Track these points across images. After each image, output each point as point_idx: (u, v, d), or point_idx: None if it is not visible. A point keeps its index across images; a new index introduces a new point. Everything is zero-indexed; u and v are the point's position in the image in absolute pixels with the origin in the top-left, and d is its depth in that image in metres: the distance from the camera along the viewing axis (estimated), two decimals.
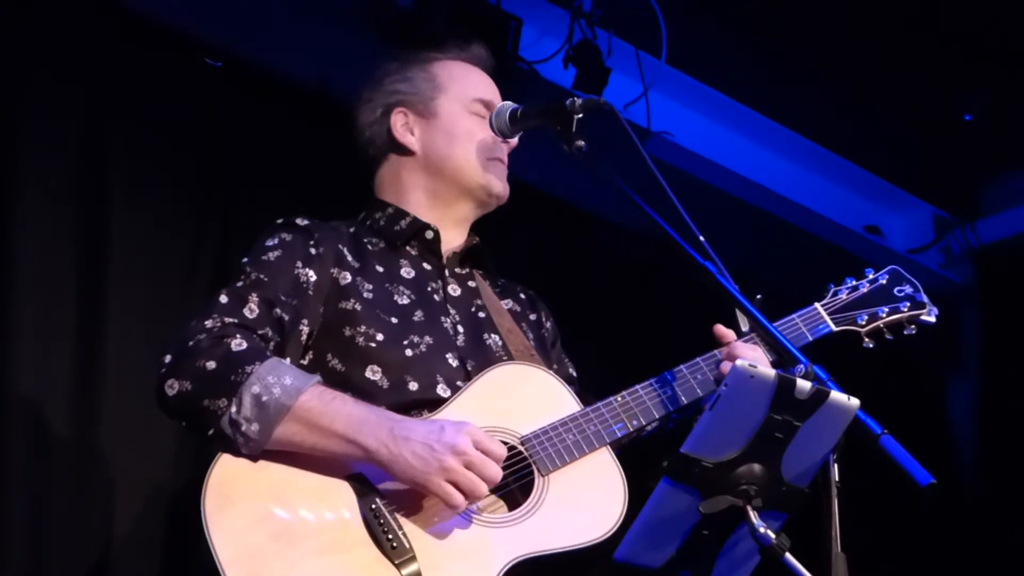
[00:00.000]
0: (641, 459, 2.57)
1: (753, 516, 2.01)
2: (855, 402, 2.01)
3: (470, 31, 3.97)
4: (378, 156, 2.80)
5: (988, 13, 4.47)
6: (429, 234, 2.70)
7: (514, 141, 2.76)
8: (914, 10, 4.49)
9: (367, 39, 4.02)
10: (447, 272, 2.70)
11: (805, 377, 2.02)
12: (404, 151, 2.76)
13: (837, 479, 2.00)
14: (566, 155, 2.50)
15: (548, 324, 2.86)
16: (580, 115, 2.50)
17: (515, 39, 4.21)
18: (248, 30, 3.95)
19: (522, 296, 2.86)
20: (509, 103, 2.67)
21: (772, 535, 1.99)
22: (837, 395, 2.00)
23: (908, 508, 4.58)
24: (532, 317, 2.82)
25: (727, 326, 2.56)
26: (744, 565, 2.13)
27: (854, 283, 2.72)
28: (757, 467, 2.03)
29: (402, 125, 2.76)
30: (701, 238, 2.36)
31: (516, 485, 2.37)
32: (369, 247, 2.66)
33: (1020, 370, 5.52)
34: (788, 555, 1.99)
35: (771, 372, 1.98)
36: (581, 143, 2.48)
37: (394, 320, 2.52)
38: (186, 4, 3.85)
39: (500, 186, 2.74)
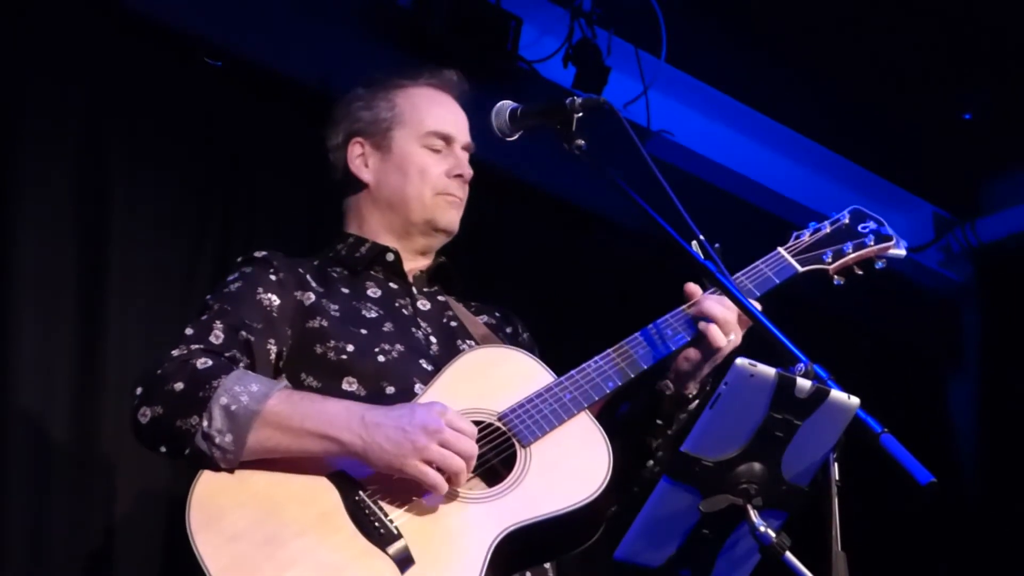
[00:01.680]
0: (622, 439, 2.52)
1: (753, 515, 2.01)
2: (855, 401, 2.00)
3: (470, 30, 4.00)
4: (339, 182, 2.82)
5: (988, 13, 4.48)
6: (390, 256, 2.71)
7: (468, 175, 2.76)
8: (914, 9, 4.49)
9: (367, 39, 4.02)
10: (415, 289, 2.71)
11: (805, 376, 2.01)
12: (360, 184, 2.77)
13: (837, 478, 2.00)
14: (566, 154, 2.50)
15: (525, 336, 2.86)
16: (580, 114, 2.49)
17: (515, 38, 4.21)
18: (248, 30, 3.95)
19: (496, 314, 2.86)
20: (509, 102, 2.66)
21: (772, 534, 1.99)
22: (837, 394, 2.00)
23: (908, 507, 4.60)
24: (508, 330, 2.82)
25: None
26: (744, 564, 2.13)
27: (816, 226, 2.70)
28: (757, 466, 2.03)
29: (357, 157, 2.77)
30: (701, 237, 2.36)
31: (497, 460, 2.36)
32: (334, 275, 2.67)
33: (1020, 369, 5.53)
34: (788, 554, 1.98)
35: (771, 371, 1.98)
36: (581, 142, 2.47)
37: (363, 331, 2.53)
38: (186, 4, 3.85)
39: (445, 220, 2.73)
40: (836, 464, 2.01)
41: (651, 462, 2.55)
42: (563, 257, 4.75)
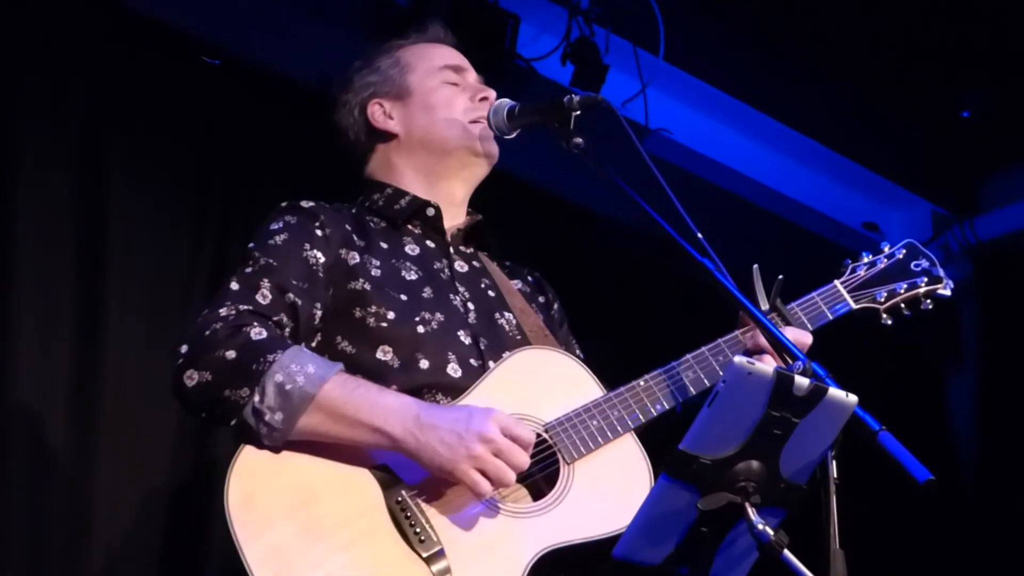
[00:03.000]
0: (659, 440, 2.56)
1: (751, 513, 2.01)
2: (853, 398, 2.00)
3: (468, 28, 4.00)
4: (365, 151, 2.80)
5: (987, 12, 4.48)
6: (430, 211, 2.69)
7: (492, 96, 2.74)
8: (913, 8, 4.50)
9: (366, 38, 4.02)
10: (451, 250, 2.69)
11: (803, 373, 2.01)
12: (388, 137, 2.77)
13: (835, 475, 2.00)
14: (564, 152, 2.50)
15: (556, 306, 2.86)
16: (578, 112, 2.49)
17: (513, 36, 4.22)
18: (247, 29, 3.96)
19: (530, 278, 2.86)
20: (507, 100, 2.67)
21: (770, 532, 1.99)
22: (835, 391, 2.00)
23: (907, 504, 4.60)
24: (541, 299, 2.82)
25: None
26: (742, 562, 2.13)
27: (871, 258, 2.70)
28: (755, 464, 2.03)
29: (381, 114, 2.77)
30: (699, 235, 2.35)
31: (541, 475, 2.35)
32: (372, 225, 2.65)
33: (1019, 366, 5.53)
34: (786, 552, 1.99)
35: (769, 369, 1.98)
36: (579, 140, 2.47)
37: (403, 297, 2.50)
38: (186, 3, 3.86)
39: (484, 145, 2.72)
40: (834, 462, 2.01)
41: None
42: (562, 254, 4.76)
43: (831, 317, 2.60)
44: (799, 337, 2.45)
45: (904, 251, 2.72)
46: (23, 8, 3.58)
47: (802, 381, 1.98)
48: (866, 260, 2.70)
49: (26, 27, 3.58)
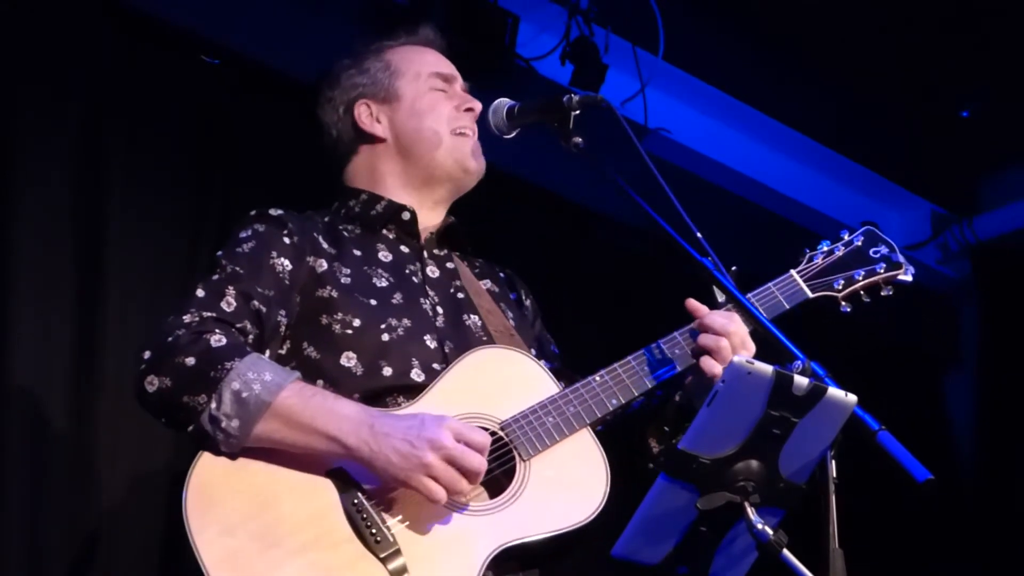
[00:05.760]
0: (626, 436, 2.57)
1: (750, 513, 2.01)
2: (852, 398, 2.00)
3: (467, 28, 4.00)
4: (348, 152, 2.80)
5: (986, 11, 4.48)
6: (406, 215, 2.69)
7: (478, 108, 2.74)
8: (913, 6, 4.50)
9: (366, 36, 4.02)
10: (425, 254, 2.69)
11: (802, 373, 2.01)
12: (374, 140, 2.76)
13: (835, 475, 2.00)
14: (564, 151, 2.50)
15: (528, 302, 2.86)
16: (577, 112, 2.49)
17: (512, 35, 4.22)
18: (246, 27, 3.95)
19: (501, 275, 2.85)
20: (506, 100, 2.67)
21: (770, 531, 1.99)
22: (835, 391, 2.00)
23: (906, 504, 4.60)
24: (512, 296, 2.82)
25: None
26: (742, 561, 2.13)
27: (829, 247, 2.69)
28: (754, 463, 2.03)
29: (367, 116, 2.77)
30: (699, 234, 2.36)
31: (499, 471, 2.35)
32: (345, 233, 2.65)
33: (1018, 365, 5.54)
34: (785, 551, 1.99)
35: (768, 368, 1.98)
36: (578, 140, 2.48)
37: (372, 302, 2.51)
38: (185, 2, 3.85)
39: (474, 163, 2.73)
40: (833, 461, 2.01)
41: (651, 465, 2.56)
42: (562, 252, 4.76)
43: (788, 306, 2.59)
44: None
45: (863, 238, 2.71)
46: (23, 7, 3.57)
47: (801, 381, 1.99)
48: (824, 249, 2.69)
49: (26, 26, 3.58)
